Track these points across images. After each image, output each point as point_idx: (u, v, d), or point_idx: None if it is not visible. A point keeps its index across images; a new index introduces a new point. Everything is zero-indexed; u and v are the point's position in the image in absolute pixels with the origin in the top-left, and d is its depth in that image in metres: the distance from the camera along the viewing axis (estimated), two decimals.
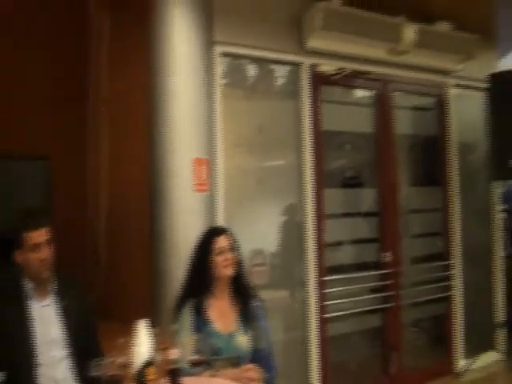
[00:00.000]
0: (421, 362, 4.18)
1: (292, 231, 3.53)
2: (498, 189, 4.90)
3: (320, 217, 3.56)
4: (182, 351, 2.21)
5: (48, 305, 2.17)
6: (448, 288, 4.31)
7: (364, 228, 3.96)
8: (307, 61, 3.58)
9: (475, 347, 4.35)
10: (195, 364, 2.16)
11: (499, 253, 4.77)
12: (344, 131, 3.95)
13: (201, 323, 2.33)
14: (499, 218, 4.86)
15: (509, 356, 4.58)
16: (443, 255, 4.35)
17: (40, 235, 2.09)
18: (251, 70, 3.46)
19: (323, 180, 3.61)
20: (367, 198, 4.00)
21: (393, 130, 4.07)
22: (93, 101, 3.38)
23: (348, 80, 3.81)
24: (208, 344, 2.29)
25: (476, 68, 4.45)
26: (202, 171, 2.87)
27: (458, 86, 4.53)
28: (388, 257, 3.91)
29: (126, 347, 2.00)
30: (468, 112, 4.64)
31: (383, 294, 3.89)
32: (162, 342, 2.09)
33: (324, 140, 3.65)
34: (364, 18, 3.58)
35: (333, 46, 3.59)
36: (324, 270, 3.57)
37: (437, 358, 4.34)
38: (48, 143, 3.53)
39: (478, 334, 4.48)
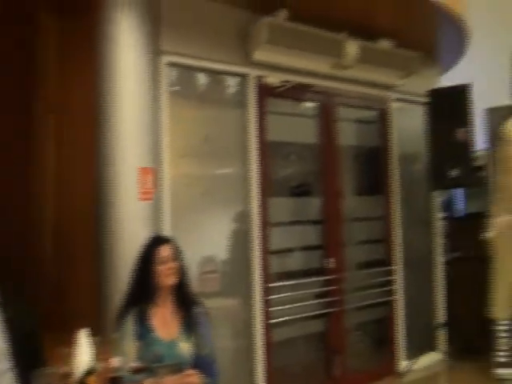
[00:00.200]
0: (364, 364, 4.32)
1: (240, 239, 3.60)
2: (439, 198, 5.14)
3: (266, 225, 3.65)
4: (124, 359, 2.26)
5: None
6: (390, 292, 4.48)
7: (309, 235, 4.07)
8: (253, 73, 3.66)
9: (417, 348, 4.53)
10: (136, 371, 2.21)
11: (439, 258, 4.99)
12: (290, 142, 4.05)
13: (143, 331, 2.38)
14: (439, 225, 5.08)
15: (449, 356, 4.79)
16: (385, 261, 4.51)
17: None
18: (199, 80, 3.51)
19: (269, 189, 3.70)
20: (312, 206, 4.11)
21: (336, 141, 4.20)
22: (39, 111, 3.36)
23: (293, 92, 3.90)
24: (150, 351, 2.35)
25: (417, 84, 4.65)
26: (147, 180, 2.91)
27: (399, 100, 4.71)
28: (332, 263, 4.04)
29: (69, 357, 2.03)
30: (410, 125, 4.84)
31: (327, 300, 4.01)
32: (104, 350, 2.13)
33: (270, 150, 3.74)
34: (308, 33, 3.70)
35: (278, 59, 3.68)
36: (270, 276, 3.65)
37: (380, 359, 4.50)
38: None
39: (420, 336, 4.66)
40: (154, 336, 2.38)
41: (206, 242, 3.43)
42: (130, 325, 2.38)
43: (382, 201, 4.56)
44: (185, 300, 2.49)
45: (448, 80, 5.22)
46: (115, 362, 2.10)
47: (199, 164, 3.47)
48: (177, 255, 2.47)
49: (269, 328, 3.61)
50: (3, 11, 3.06)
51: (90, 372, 1.97)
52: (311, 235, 4.07)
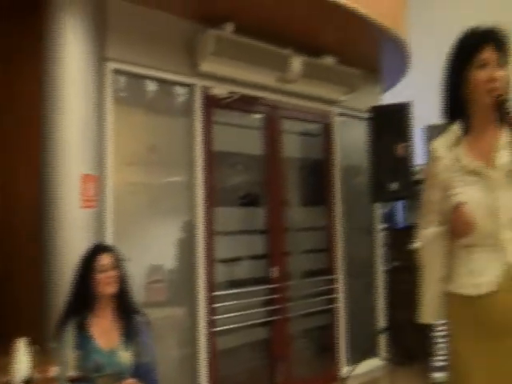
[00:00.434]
0: (308, 370, 4.40)
1: (186, 248, 3.62)
2: (380, 209, 5.33)
3: (211, 234, 3.69)
4: (63, 368, 2.26)
5: None
6: (332, 300, 4.60)
7: (255, 245, 4.14)
8: (200, 83, 3.69)
9: (359, 354, 4.65)
10: (74, 381, 2.22)
11: (380, 267, 5.16)
12: (236, 152, 4.11)
13: (83, 340, 2.38)
14: (380, 235, 5.26)
15: (389, 361, 4.94)
16: (328, 270, 4.63)
17: None
18: (146, 89, 3.51)
19: (215, 198, 3.75)
20: (258, 216, 4.18)
21: (281, 153, 4.30)
22: None
23: (239, 104, 3.97)
24: (90, 361, 2.35)
25: (360, 100, 4.82)
26: (90, 188, 2.90)
27: (343, 114, 4.86)
28: (276, 272, 4.12)
29: (7, 366, 2.02)
30: (353, 138, 5.00)
31: (271, 308, 4.08)
32: (43, 359, 2.12)
33: (217, 160, 3.79)
34: (254, 46, 3.77)
35: (224, 71, 3.74)
36: (214, 285, 3.69)
37: (323, 366, 4.60)
38: None
39: (362, 342, 4.79)
40: (93, 345, 2.39)
41: (152, 251, 3.43)
42: (69, 334, 2.38)
43: (325, 211, 4.68)
44: (125, 309, 2.51)
45: (391, 97, 5.45)
46: (54, 371, 2.10)
47: (145, 172, 3.47)
48: (117, 264, 2.49)
49: (213, 336, 3.64)
50: None
51: (27, 381, 1.97)
52: (257, 244, 4.14)
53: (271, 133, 4.25)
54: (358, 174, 5.04)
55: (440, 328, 4.24)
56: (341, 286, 4.66)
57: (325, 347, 4.64)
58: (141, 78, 3.45)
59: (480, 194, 1.76)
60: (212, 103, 3.78)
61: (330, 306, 4.59)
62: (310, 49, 4.20)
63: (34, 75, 2.97)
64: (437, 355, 4.46)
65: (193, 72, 3.64)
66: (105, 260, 2.44)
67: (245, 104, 4.04)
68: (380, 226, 5.27)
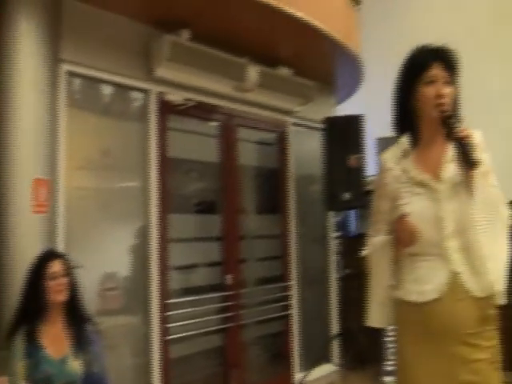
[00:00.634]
0: (262, 377, 4.42)
1: (140, 255, 3.59)
2: (334, 218, 5.43)
3: (165, 241, 3.67)
4: (13, 379, 2.20)
5: None
6: (287, 307, 4.63)
7: (210, 252, 4.13)
8: (155, 89, 3.66)
9: (312, 360, 4.70)
10: None
11: (333, 274, 5.25)
12: (192, 159, 4.11)
13: (33, 349, 2.34)
14: (334, 243, 5.36)
15: (342, 366, 5.03)
16: (282, 277, 4.67)
17: None
18: (101, 92, 3.47)
19: (169, 205, 3.73)
20: (213, 223, 4.18)
21: (237, 161, 4.32)
22: None
23: (195, 111, 3.96)
24: (40, 370, 2.30)
25: (315, 111, 4.90)
26: (42, 192, 2.84)
27: (297, 124, 4.93)
28: (230, 279, 4.13)
29: None
30: (308, 148, 5.08)
31: (225, 315, 4.08)
32: None
33: (172, 166, 3.77)
34: (211, 54, 3.79)
35: (180, 78, 3.73)
36: (168, 292, 3.66)
37: (277, 372, 4.62)
38: None
39: (315, 348, 4.85)
40: (43, 354, 2.35)
41: (105, 258, 3.37)
42: (19, 343, 2.33)
43: (280, 219, 4.73)
44: (76, 317, 2.48)
45: (346, 109, 5.59)
46: (3, 381, 2.05)
47: (98, 177, 3.41)
48: (68, 271, 2.45)
49: (166, 344, 3.60)
50: None
51: None
52: (212, 252, 4.13)
53: (227, 141, 4.27)
54: (313, 183, 5.13)
55: (390, 333, 4.35)
56: (295, 293, 4.71)
57: (279, 354, 4.67)
58: (96, 82, 3.40)
59: (426, 204, 1.83)
60: (167, 109, 3.76)
61: (284, 313, 4.63)
62: (267, 59, 4.26)
63: None
64: (387, 360, 4.58)
65: (148, 77, 3.61)
66: (56, 267, 2.40)
67: (201, 111, 4.04)
68: (333, 234, 5.37)
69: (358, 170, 4.62)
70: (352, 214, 6.13)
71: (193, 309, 3.83)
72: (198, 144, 4.15)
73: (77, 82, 3.30)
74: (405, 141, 1.94)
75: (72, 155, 3.16)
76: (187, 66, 3.70)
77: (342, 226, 5.91)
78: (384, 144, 5.07)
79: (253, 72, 4.10)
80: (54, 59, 3.05)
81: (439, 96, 1.82)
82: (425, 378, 1.81)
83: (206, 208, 4.17)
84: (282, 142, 4.80)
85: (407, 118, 1.93)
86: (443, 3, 6.69)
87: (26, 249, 2.73)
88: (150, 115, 3.65)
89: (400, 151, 1.94)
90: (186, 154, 4.02)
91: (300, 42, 4.15)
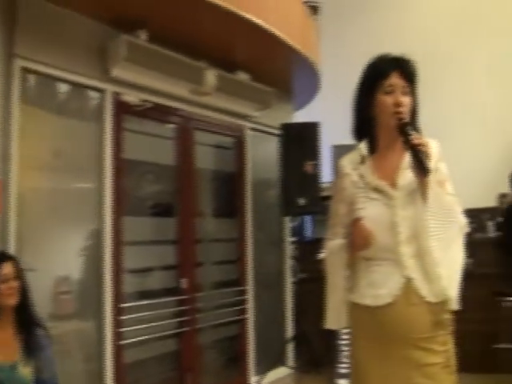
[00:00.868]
0: (216, 380, 4.40)
1: (94, 258, 3.51)
2: (290, 223, 5.48)
3: (119, 244, 3.60)
4: None
5: None
6: (242, 311, 4.65)
7: (166, 255, 4.09)
8: (111, 88, 3.60)
9: (267, 363, 4.74)
10: None
11: (289, 278, 5.30)
12: (148, 161, 4.06)
13: None
14: (289, 248, 5.41)
15: (297, 369, 5.07)
16: (238, 281, 4.68)
17: None
18: (56, 90, 3.38)
19: (124, 207, 3.66)
20: (169, 226, 4.14)
21: (194, 164, 4.30)
22: None
23: (152, 112, 3.93)
24: None
25: (272, 116, 4.95)
26: None
27: (255, 129, 4.96)
28: (185, 283, 4.10)
29: None
30: (265, 153, 5.13)
31: (180, 319, 4.05)
32: None
33: (127, 168, 3.71)
34: (168, 56, 3.75)
35: (137, 78, 3.68)
36: (122, 296, 3.60)
37: (231, 376, 4.62)
38: None
39: (270, 352, 4.88)
40: None
41: (58, 261, 3.29)
42: None
43: (236, 223, 4.74)
44: (26, 322, 2.40)
45: (304, 116, 5.66)
46: None
47: (52, 177, 3.32)
48: (19, 274, 2.38)
49: (120, 349, 3.54)
50: None
51: None
52: (168, 255, 4.09)
53: (184, 143, 4.24)
54: (270, 188, 5.16)
55: (345, 336, 4.42)
56: (250, 297, 4.72)
57: (234, 357, 4.67)
58: (51, 79, 3.30)
59: (381, 210, 1.87)
60: (123, 110, 3.70)
61: (240, 317, 4.64)
62: (225, 63, 4.26)
63: None
64: (341, 362, 4.64)
65: (104, 77, 3.55)
66: (6, 269, 2.33)
67: (157, 113, 4.01)
68: (289, 239, 5.42)
69: (314, 176, 4.69)
70: (308, 219, 6.21)
71: (147, 313, 3.78)
72: (154, 146, 4.11)
73: (31, 78, 3.20)
74: (363, 147, 1.98)
75: (25, 155, 3.07)
76: (144, 67, 3.66)
77: (297, 230, 5.97)
78: (340, 151, 5.20)
79: (210, 76, 4.10)
80: (8, 54, 2.96)
81: (397, 104, 1.86)
82: (378, 381, 1.84)
83: (161, 211, 4.13)
84: (239, 147, 4.81)
85: (366, 125, 1.96)
86: (399, 16, 6.91)
87: None
88: (105, 115, 3.58)
89: (358, 157, 1.97)
90: (142, 155, 3.98)
91: (257, 47, 4.18)
